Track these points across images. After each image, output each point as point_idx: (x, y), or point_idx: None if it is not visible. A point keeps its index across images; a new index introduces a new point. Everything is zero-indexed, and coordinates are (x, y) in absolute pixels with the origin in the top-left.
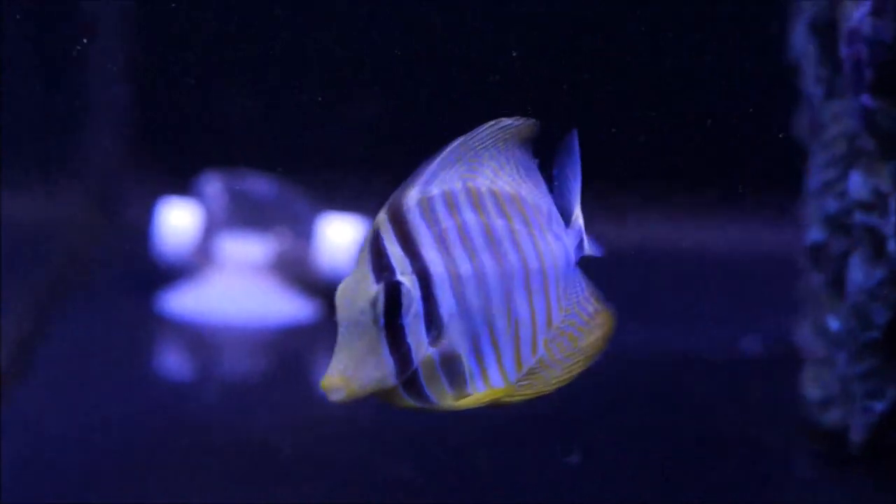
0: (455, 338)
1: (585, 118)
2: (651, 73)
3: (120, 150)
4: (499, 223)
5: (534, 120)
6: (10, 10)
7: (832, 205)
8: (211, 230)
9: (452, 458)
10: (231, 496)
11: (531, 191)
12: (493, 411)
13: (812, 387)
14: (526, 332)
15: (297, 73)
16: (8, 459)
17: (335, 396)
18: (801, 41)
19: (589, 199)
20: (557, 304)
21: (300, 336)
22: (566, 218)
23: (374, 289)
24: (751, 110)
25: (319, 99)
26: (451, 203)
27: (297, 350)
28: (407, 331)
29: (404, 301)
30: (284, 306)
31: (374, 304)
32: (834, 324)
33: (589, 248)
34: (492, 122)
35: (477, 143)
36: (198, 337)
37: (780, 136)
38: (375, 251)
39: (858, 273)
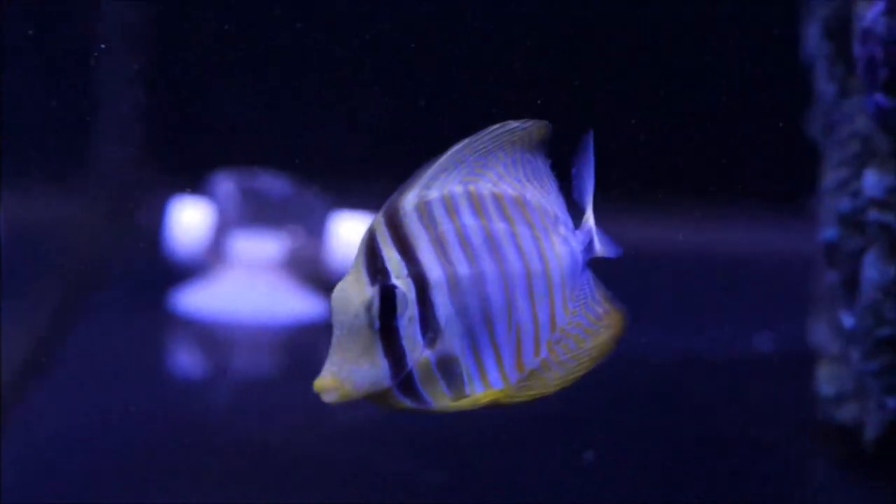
0: (453, 340)
1: (600, 119)
2: (664, 73)
3: (132, 149)
4: (500, 226)
5: (545, 122)
6: (22, 13)
7: (846, 203)
8: (223, 229)
9: (460, 457)
10: (244, 496)
11: (538, 193)
12: (503, 411)
13: (826, 384)
14: (528, 335)
15: (310, 72)
16: (22, 457)
17: (328, 398)
18: (814, 40)
19: (603, 200)
20: (563, 306)
21: (312, 334)
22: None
23: (368, 292)
24: (764, 109)
25: (332, 98)
26: (450, 206)
27: (309, 348)
28: (402, 334)
29: (399, 305)
30: (297, 304)
31: (368, 307)
32: (848, 321)
33: (602, 250)
34: (499, 125)
35: (482, 146)
36: (210, 335)
37: (793, 135)
38: (371, 254)
39: (873, 271)
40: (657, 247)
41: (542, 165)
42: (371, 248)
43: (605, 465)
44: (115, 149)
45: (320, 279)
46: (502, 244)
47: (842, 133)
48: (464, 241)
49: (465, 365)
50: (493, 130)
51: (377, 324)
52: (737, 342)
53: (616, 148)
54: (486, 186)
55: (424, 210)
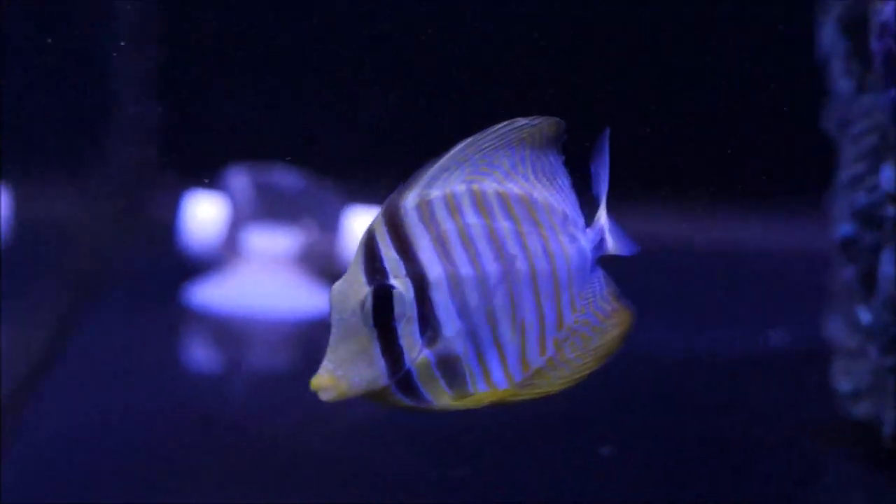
0: (454, 339)
1: (615, 115)
2: (678, 70)
3: (146, 144)
4: (505, 225)
5: (556, 119)
6: (34, 11)
7: (862, 199)
8: (237, 223)
9: (472, 455)
10: (255, 493)
11: (545, 191)
12: (512, 408)
13: (842, 380)
14: (533, 334)
15: (325, 66)
16: (32, 453)
17: (325, 396)
18: (830, 36)
19: (617, 197)
20: (570, 304)
21: (326, 329)
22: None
23: (364, 291)
24: (779, 106)
25: (347, 92)
26: (452, 206)
27: (322, 343)
28: (399, 333)
29: (396, 304)
30: (311, 299)
31: (363, 306)
32: (865, 317)
33: (616, 247)
34: (506, 122)
35: (487, 144)
36: (224, 330)
37: (808, 131)
38: (369, 254)
39: (890, 266)
40: (672, 243)
41: (554, 162)
42: (370, 248)
43: (618, 463)
44: (129, 143)
45: (334, 274)
46: (506, 243)
47: (858, 128)
48: (466, 240)
49: (468, 364)
50: (499, 128)
51: (373, 323)
52: (752, 338)
53: (630, 144)
54: (490, 185)
55: (426, 209)
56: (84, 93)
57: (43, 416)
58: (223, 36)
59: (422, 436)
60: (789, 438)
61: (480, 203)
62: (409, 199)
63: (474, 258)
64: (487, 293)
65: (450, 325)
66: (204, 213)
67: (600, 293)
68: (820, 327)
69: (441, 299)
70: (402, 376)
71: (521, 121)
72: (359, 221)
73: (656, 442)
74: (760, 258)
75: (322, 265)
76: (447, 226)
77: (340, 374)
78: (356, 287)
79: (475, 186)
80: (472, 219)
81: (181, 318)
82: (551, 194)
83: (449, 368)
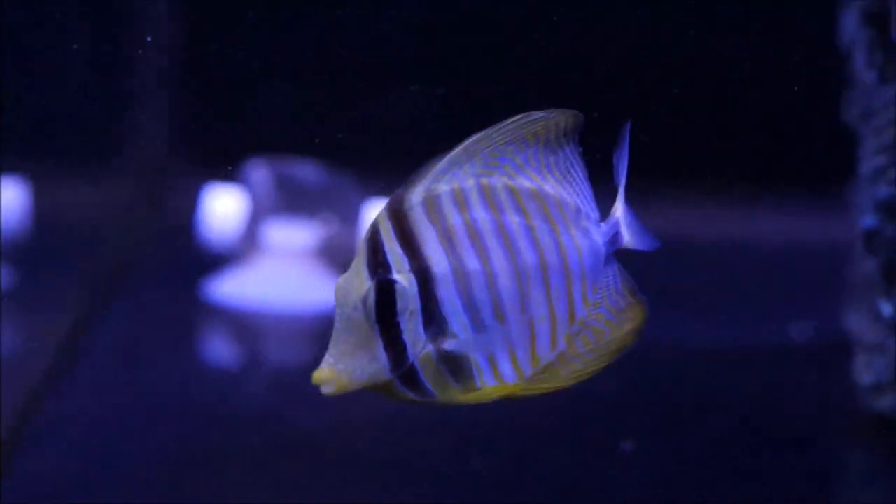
0: (460, 334)
1: (637, 107)
2: (700, 60)
3: (166, 137)
4: (514, 220)
5: (574, 111)
6: (57, 6)
7: (884, 191)
8: (257, 217)
9: (496, 449)
10: (275, 487)
11: (558, 185)
12: (534, 401)
13: (864, 373)
14: (543, 328)
15: (344, 59)
16: (53, 446)
17: (326, 390)
18: (852, 26)
19: (638, 189)
20: (582, 299)
21: None
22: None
23: (366, 286)
24: (800, 97)
25: (367, 85)
26: (460, 200)
27: None
28: (402, 327)
29: (399, 299)
30: (330, 293)
31: (365, 301)
32: (887, 309)
33: (634, 242)
34: (520, 115)
35: (499, 138)
36: (243, 323)
37: (829, 122)
38: (372, 248)
39: None
40: (692, 235)
41: (571, 156)
42: (373, 242)
43: (639, 457)
44: (148, 137)
45: None
46: (516, 237)
47: (880, 120)
48: (474, 234)
49: (475, 359)
50: (512, 122)
51: (374, 317)
52: (773, 331)
53: (651, 137)
54: (500, 179)
55: (432, 204)
56: (103, 87)
57: (62, 411)
58: (243, 29)
59: (441, 430)
60: (811, 432)
61: (489, 197)
62: (415, 194)
63: (482, 253)
64: (495, 288)
65: (455, 320)
66: (223, 207)
67: (615, 287)
68: (841, 320)
69: (447, 294)
70: (406, 371)
71: (536, 114)
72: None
73: (677, 436)
74: (781, 251)
75: (342, 259)
76: (454, 220)
77: (341, 368)
78: (359, 281)
79: (484, 181)
80: (480, 213)
81: (200, 311)
82: (564, 188)
83: (455, 363)
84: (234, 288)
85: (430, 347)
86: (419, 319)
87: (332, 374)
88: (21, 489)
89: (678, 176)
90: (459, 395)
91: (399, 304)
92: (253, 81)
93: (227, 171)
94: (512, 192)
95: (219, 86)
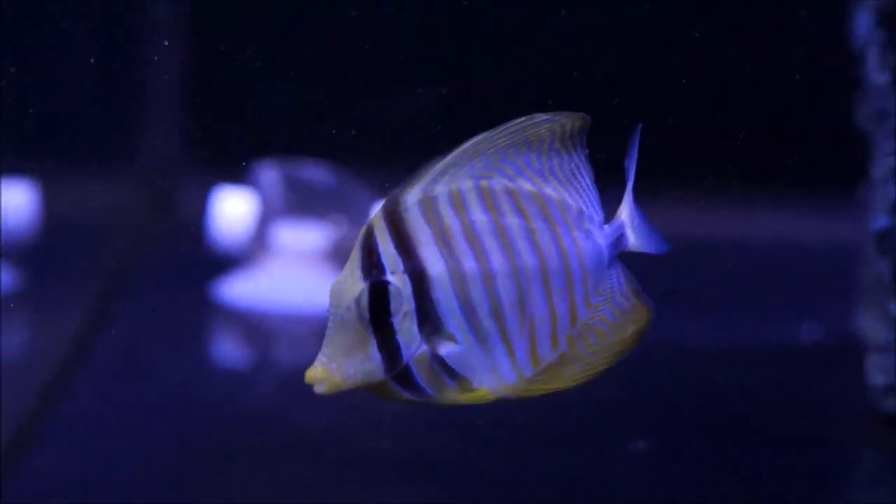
0: (458, 335)
1: (648, 107)
2: (711, 60)
3: (176, 138)
4: (514, 222)
5: (581, 114)
6: (67, 8)
7: None
8: (267, 218)
9: (508, 448)
10: (283, 488)
11: (561, 188)
12: (543, 403)
13: (876, 374)
14: (544, 330)
15: (355, 61)
16: (62, 447)
17: (318, 389)
18: (865, 28)
19: (649, 190)
20: (584, 301)
21: None
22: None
23: (359, 287)
24: (812, 97)
25: (377, 87)
26: (457, 202)
27: None
28: (396, 328)
29: (392, 300)
30: None
31: (358, 302)
32: None
33: (640, 244)
34: (524, 118)
35: (501, 140)
36: (253, 325)
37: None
38: (367, 249)
39: None
40: (703, 235)
41: (577, 158)
42: (368, 244)
43: (651, 457)
44: (158, 138)
45: None
46: (515, 239)
47: (894, 122)
48: (471, 236)
49: (473, 359)
50: (514, 124)
51: (367, 318)
52: (784, 332)
53: (662, 136)
54: (499, 181)
55: (429, 205)
56: (113, 87)
57: (69, 411)
58: (254, 31)
59: (452, 429)
60: (822, 433)
61: (488, 199)
62: (412, 195)
63: (480, 254)
64: (493, 289)
65: (452, 321)
66: (233, 208)
67: (619, 289)
68: (852, 321)
69: (443, 295)
70: (401, 371)
71: (541, 116)
72: None
73: (688, 436)
74: (793, 251)
75: None
76: (451, 222)
77: (334, 368)
78: (352, 282)
79: (483, 183)
80: (478, 215)
81: (209, 313)
82: (567, 190)
83: (451, 363)
84: (243, 289)
85: (425, 348)
86: (414, 320)
87: (324, 373)
88: (28, 488)
89: (687, 177)
90: (457, 396)
91: (392, 305)
92: (263, 83)
93: (237, 172)
94: (512, 194)
95: (229, 87)
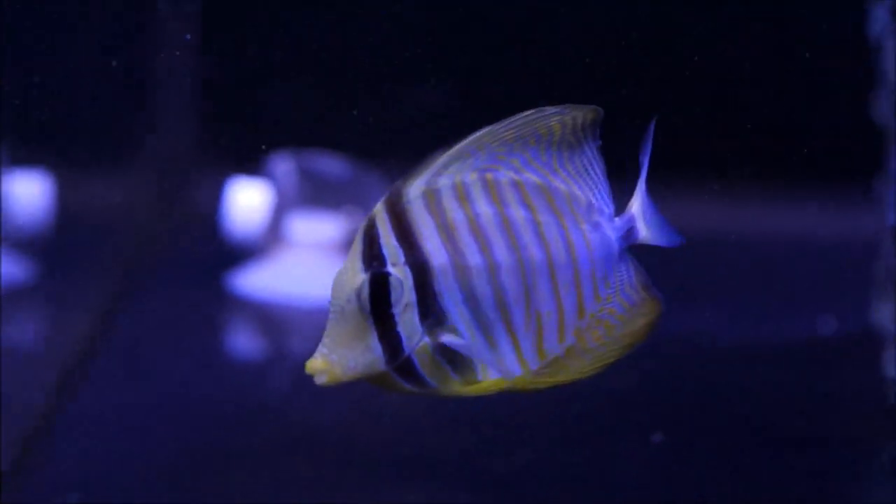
0: (461, 327)
1: (667, 100)
2: (728, 54)
3: (190, 130)
4: (519, 214)
5: (592, 107)
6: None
7: None
8: (281, 210)
9: (525, 440)
10: (300, 481)
11: (570, 180)
12: (563, 392)
13: (893, 368)
14: (551, 322)
15: (370, 52)
16: (78, 440)
17: (319, 380)
18: (882, 21)
19: (665, 183)
20: (592, 294)
21: None
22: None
23: (360, 278)
24: (829, 91)
25: (392, 78)
26: (461, 194)
27: None
28: (397, 320)
29: (393, 292)
30: None
31: (359, 294)
32: None
33: (653, 237)
34: (532, 111)
35: (508, 132)
36: (268, 317)
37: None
38: (368, 241)
39: None
40: (720, 229)
41: (588, 151)
42: (369, 235)
43: (669, 450)
44: (173, 130)
45: None
46: (520, 231)
47: None
48: (475, 228)
49: (477, 351)
50: (522, 117)
51: (368, 310)
52: (800, 326)
53: (680, 130)
54: (505, 174)
55: (432, 197)
56: (127, 80)
57: (87, 404)
58: (268, 23)
59: (468, 424)
60: (839, 427)
61: (493, 192)
62: (415, 187)
63: (484, 246)
64: (498, 281)
65: (455, 313)
66: (248, 200)
67: (629, 282)
68: (869, 315)
69: (446, 287)
70: (402, 363)
71: (550, 109)
72: None
73: (706, 430)
74: (809, 246)
75: None
76: (455, 214)
77: (335, 359)
78: (353, 274)
79: (488, 175)
80: (483, 207)
81: (225, 304)
82: (577, 183)
83: (454, 355)
84: (258, 281)
85: (427, 340)
86: (415, 312)
87: (325, 364)
88: (37, 484)
89: (704, 172)
90: (460, 388)
91: (393, 297)
92: (277, 74)
93: (252, 164)
94: (518, 186)
95: (243, 79)
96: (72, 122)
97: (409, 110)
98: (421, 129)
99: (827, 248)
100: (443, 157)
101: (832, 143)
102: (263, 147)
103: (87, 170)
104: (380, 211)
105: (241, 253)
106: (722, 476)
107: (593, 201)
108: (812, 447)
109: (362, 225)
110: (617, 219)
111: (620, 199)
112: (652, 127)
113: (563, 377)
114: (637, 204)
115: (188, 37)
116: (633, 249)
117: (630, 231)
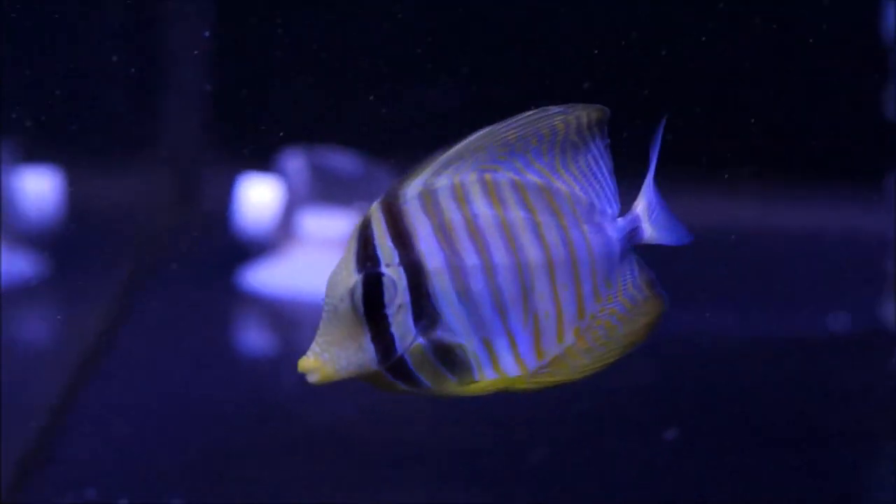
0: (456, 328)
1: (680, 96)
2: (740, 51)
3: (201, 126)
4: (519, 215)
5: (599, 106)
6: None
7: None
8: (293, 206)
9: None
10: (309, 476)
11: (572, 181)
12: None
13: None
14: (549, 323)
15: (380, 50)
16: (90, 436)
17: (311, 378)
18: (894, 21)
19: (676, 180)
20: (592, 294)
21: None
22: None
23: (353, 279)
24: (841, 89)
25: (404, 75)
26: (459, 194)
27: None
28: (390, 321)
29: (386, 292)
30: None
31: (352, 294)
32: None
33: (660, 237)
34: (534, 111)
35: (509, 132)
36: (279, 313)
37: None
38: (363, 241)
39: None
40: (731, 227)
41: (594, 150)
42: (364, 235)
43: (682, 447)
44: (184, 125)
45: None
46: (519, 232)
47: None
48: (473, 229)
49: (473, 351)
50: (524, 117)
51: (361, 310)
52: (811, 323)
53: (693, 126)
54: (505, 174)
55: (429, 198)
56: (138, 76)
57: (97, 399)
58: (279, 19)
59: (468, 424)
60: (852, 423)
61: (492, 192)
62: (412, 188)
63: (481, 247)
64: (495, 282)
65: (450, 314)
66: (259, 196)
67: (632, 282)
68: (880, 312)
69: (441, 288)
70: (396, 362)
71: (554, 109)
72: None
73: (718, 426)
74: (820, 242)
75: None
76: (452, 215)
77: (327, 358)
78: (346, 274)
79: (487, 176)
80: (481, 208)
81: (236, 300)
82: (580, 183)
83: (449, 355)
84: (269, 277)
85: (421, 340)
86: (409, 312)
87: (317, 362)
88: (59, 475)
89: (717, 169)
90: (456, 388)
91: (386, 297)
92: (289, 70)
93: (263, 160)
94: (517, 187)
95: (255, 75)
96: (83, 119)
97: (422, 106)
98: (434, 124)
99: (839, 245)
100: (441, 158)
101: (845, 139)
102: (275, 143)
103: (98, 166)
104: (375, 211)
105: (253, 249)
106: (723, 475)
107: (595, 202)
108: (813, 447)
109: (357, 224)
110: (620, 219)
111: (627, 200)
112: (662, 127)
113: (562, 377)
114: (642, 204)
115: (204, 34)
116: (639, 248)
117: (634, 231)
